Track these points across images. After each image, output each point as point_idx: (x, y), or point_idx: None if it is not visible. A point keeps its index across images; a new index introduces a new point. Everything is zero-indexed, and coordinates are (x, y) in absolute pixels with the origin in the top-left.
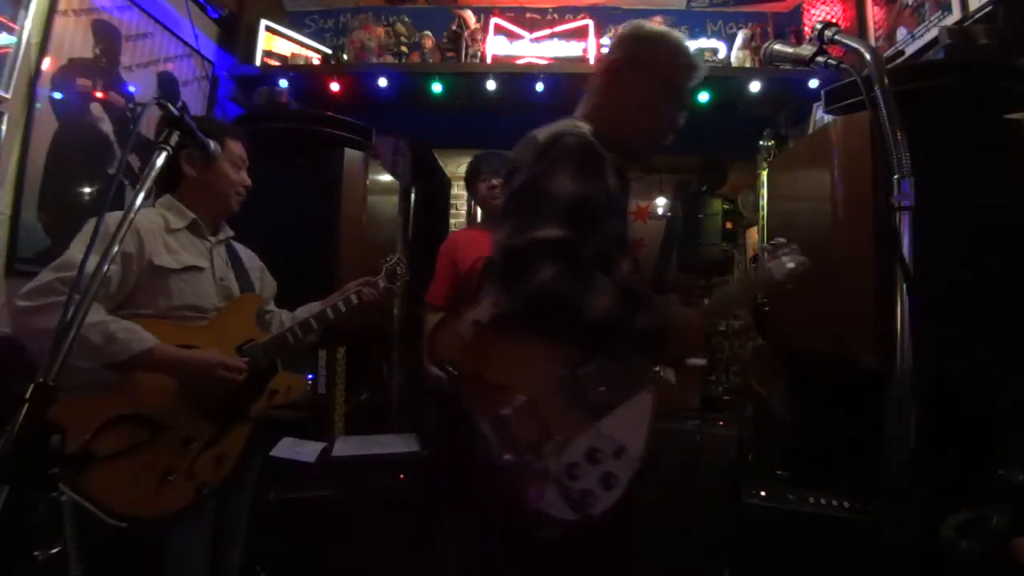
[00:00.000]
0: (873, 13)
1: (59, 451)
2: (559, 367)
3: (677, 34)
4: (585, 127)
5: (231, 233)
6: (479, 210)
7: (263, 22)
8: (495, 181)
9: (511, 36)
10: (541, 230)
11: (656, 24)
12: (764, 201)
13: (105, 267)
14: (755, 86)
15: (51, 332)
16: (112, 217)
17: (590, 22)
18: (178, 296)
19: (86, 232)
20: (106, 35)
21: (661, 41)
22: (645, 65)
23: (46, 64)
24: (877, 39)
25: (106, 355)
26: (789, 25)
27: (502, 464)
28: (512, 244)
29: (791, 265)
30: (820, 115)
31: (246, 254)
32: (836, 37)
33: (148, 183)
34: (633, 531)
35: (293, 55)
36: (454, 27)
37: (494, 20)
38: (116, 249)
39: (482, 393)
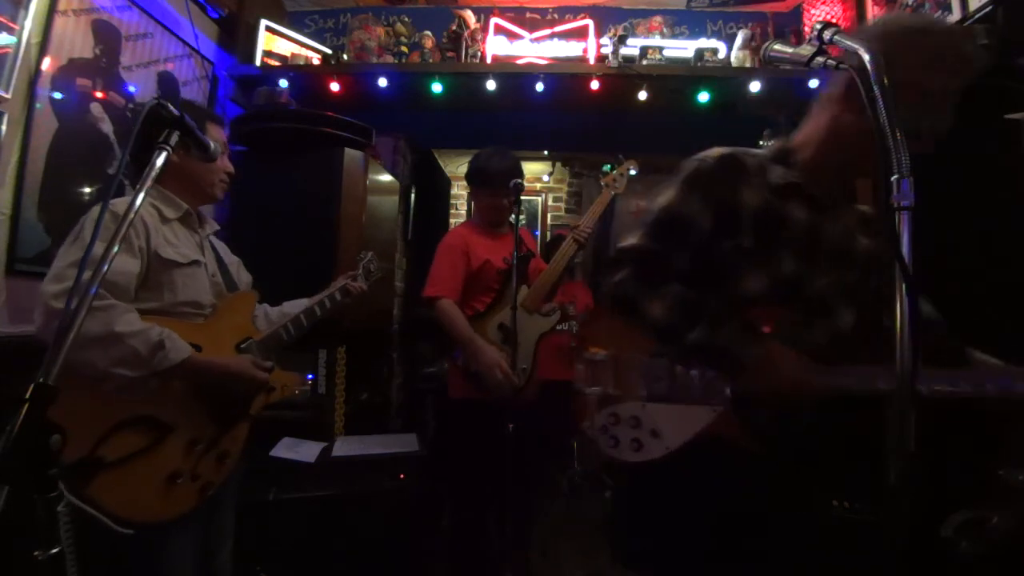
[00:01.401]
0: (873, 13)
1: (59, 452)
2: (640, 348)
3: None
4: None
5: (216, 227)
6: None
7: (263, 22)
8: (505, 202)
9: (511, 36)
10: (627, 240)
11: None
12: None
13: (105, 266)
14: (755, 86)
15: (94, 337)
16: (120, 204)
17: (590, 22)
18: (182, 291)
19: (94, 222)
20: (106, 35)
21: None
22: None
23: (46, 64)
24: None
25: (152, 365)
26: (789, 25)
27: (577, 388)
28: (611, 250)
29: None
30: None
31: (223, 248)
32: (836, 37)
33: (149, 182)
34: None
35: (293, 55)
36: (454, 27)
37: (494, 20)
38: (136, 243)
39: (585, 344)
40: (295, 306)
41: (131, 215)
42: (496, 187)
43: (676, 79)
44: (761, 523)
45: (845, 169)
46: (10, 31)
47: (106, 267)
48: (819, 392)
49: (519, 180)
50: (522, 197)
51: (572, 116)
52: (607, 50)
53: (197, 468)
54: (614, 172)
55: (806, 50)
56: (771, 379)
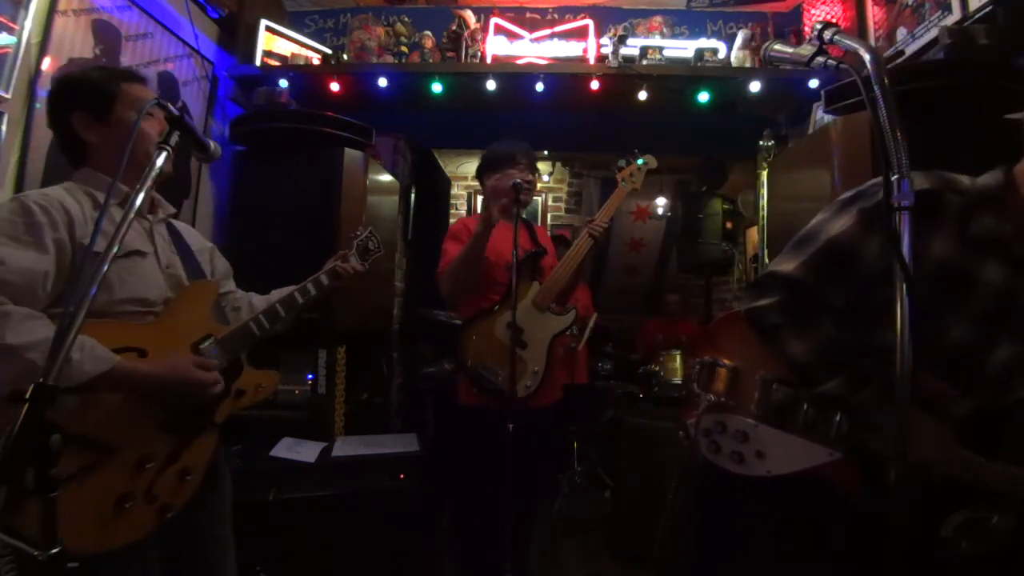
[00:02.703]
0: (873, 13)
1: (59, 452)
2: (769, 367)
3: None
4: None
5: (172, 210)
6: (479, 204)
7: (263, 22)
8: (530, 176)
9: (511, 36)
10: (782, 264)
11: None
12: (764, 201)
13: (105, 267)
14: (755, 86)
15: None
16: (34, 195)
17: (590, 22)
18: (120, 288)
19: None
20: (106, 35)
21: None
22: None
23: (46, 64)
24: (877, 39)
25: (57, 381)
26: (789, 25)
27: (689, 387)
28: (763, 271)
29: None
30: (820, 115)
31: (191, 234)
32: (836, 37)
33: (148, 183)
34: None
35: (293, 55)
36: (454, 27)
37: (494, 20)
38: (51, 235)
39: (707, 345)
40: (280, 294)
41: (131, 214)
42: (507, 163)
43: (676, 79)
44: None
45: None
46: (10, 31)
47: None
48: (961, 478)
49: (522, 179)
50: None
51: (572, 116)
52: (607, 50)
53: (153, 489)
54: (630, 167)
55: (806, 50)
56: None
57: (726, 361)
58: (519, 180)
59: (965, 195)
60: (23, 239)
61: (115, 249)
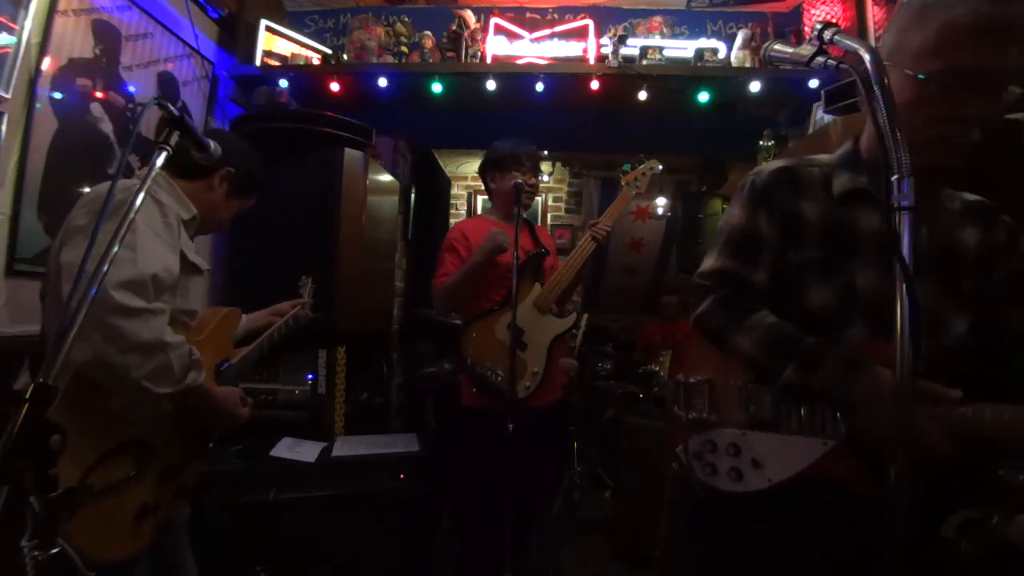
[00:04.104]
0: (873, 13)
1: (59, 452)
2: (738, 375)
3: None
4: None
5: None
6: (479, 203)
7: (263, 22)
8: (533, 180)
9: (511, 36)
10: (704, 266)
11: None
12: None
13: (105, 267)
14: (755, 86)
15: (143, 345)
16: (125, 185)
17: (590, 22)
18: (192, 299)
19: (142, 212)
20: (106, 35)
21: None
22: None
23: (46, 64)
24: (877, 39)
25: (181, 383)
26: (789, 25)
27: (668, 412)
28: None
29: None
30: (820, 115)
31: None
32: (836, 37)
33: (148, 183)
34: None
35: (293, 55)
36: (454, 27)
37: (494, 20)
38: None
39: (679, 362)
40: (248, 323)
41: (131, 215)
42: (512, 165)
43: (676, 79)
44: None
45: (928, 159)
46: (10, 31)
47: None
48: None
49: (524, 182)
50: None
51: (572, 116)
52: (607, 50)
53: (160, 501)
54: (635, 171)
55: (806, 50)
56: (885, 417)
57: (699, 377)
58: (520, 181)
59: (823, 166)
60: (164, 238)
61: (115, 249)
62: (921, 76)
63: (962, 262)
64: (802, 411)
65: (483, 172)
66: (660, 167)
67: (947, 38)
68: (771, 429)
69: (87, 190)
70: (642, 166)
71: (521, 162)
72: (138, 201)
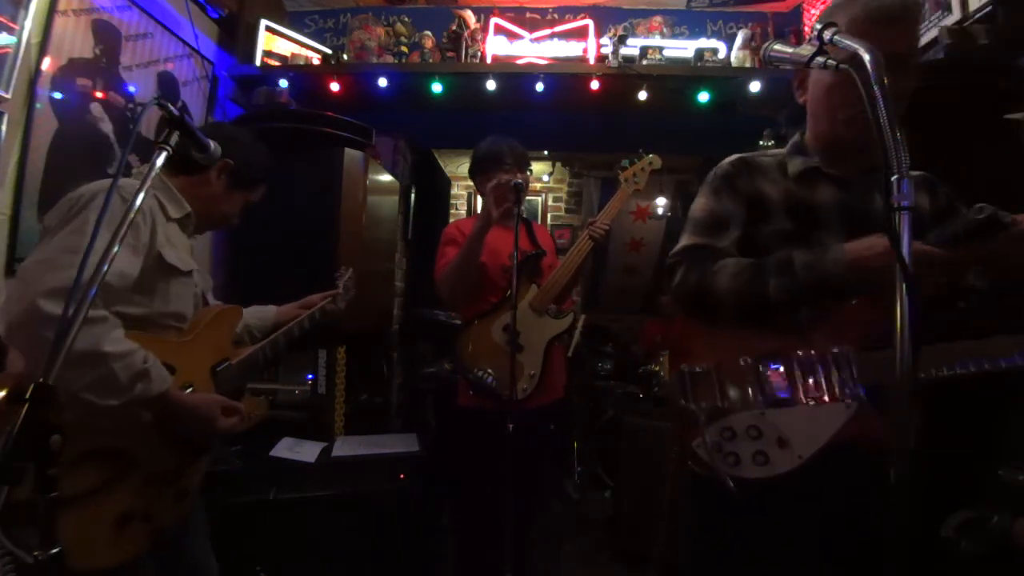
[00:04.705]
0: None
1: (59, 452)
2: (744, 351)
3: None
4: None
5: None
6: (479, 203)
7: (263, 22)
8: (520, 177)
9: (511, 36)
10: (676, 248)
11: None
12: None
13: (105, 266)
14: (755, 86)
15: (80, 355)
16: (128, 185)
17: (590, 22)
18: (173, 301)
19: (94, 211)
20: (106, 35)
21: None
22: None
23: (46, 64)
24: None
25: (127, 395)
26: (789, 25)
27: (678, 408)
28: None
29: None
30: None
31: None
32: (836, 37)
33: (148, 183)
34: (795, 517)
35: (293, 55)
36: (454, 27)
37: (494, 20)
38: (143, 238)
39: (680, 356)
40: (260, 314)
41: (131, 215)
42: (494, 165)
43: (676, 79)
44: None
45: (846, 142)
46: (10, 31)
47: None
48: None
49: (520, 181)
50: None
51: (572, 116)
52: (607, 50)
53: (151, 508)
54: (634, 167)
55: (806, 50)
56: (872, 253)
57: (704, 364)
58: (520, 181)
59: (775, 155)
60: (126, 239)
61: (115, 249)
62: (835, 64)
63: (919, 221)
64: (820, 374)
65: (471, 176)
66: (659, 163)
67: (851, 30)
68: (791, 403)
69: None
70: (640, 162)
71: (503, 160)
72: (138, 201)
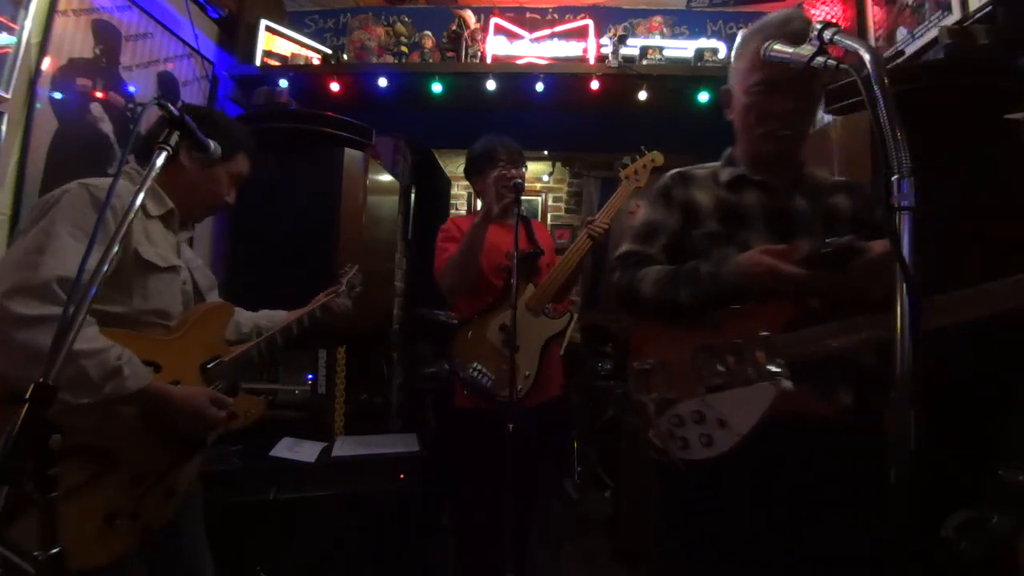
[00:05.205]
0: (873, 13)
1: (60, 452)
2: (687, 347)
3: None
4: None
5: (191, 233)
6: (478, 203)
7: (263, 22)
8: (514, 171)
9: (511, 36)
10: (617, 251)
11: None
12: None
13: (105, 267)
14: None
15: (43, 351)
16: (101, 186)
17: (590, 22)
18: (154, 298)
19: (68, 210)
20: (106, 35)
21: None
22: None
23: (46, 64)
24: (877, 39)
25: (101, 393)
26: None
27: (634, 400)
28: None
29: None
30: (820, 115)
31: (189, 252)
32: (836, 37)
33: (147, 183)
34: (743, 493)
35: (293, 55)
36: (454, 27)
37: (494, 20)
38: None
39: (634, 355)
40: (271, 318)
41: (131, 215)
42: (488, 164)
43: (676, 79)
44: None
45: (764, 154)
46: (10, 31)
47: (103, 268)
48: (801, 278)
49: (520, 181)
50: (522, 197)
51: (572, 116)
52: (607, 50)
53: (139, 507)
54: (635, 163)
55: (806, 50)
56: (756, 270)
57: (653, 360)
58: (520, 181)
59: (710, 168)
60: (89, 235)
61: (115, 250)
62: (835, 64)
63: (840, 220)
64: (751, 358)
65: (467, 176)
66: (661, 159)
67: (755, 60)
68: (728, 387)
69: None
70: (642, 159)
71: (498, 157)
72: (138, 201)
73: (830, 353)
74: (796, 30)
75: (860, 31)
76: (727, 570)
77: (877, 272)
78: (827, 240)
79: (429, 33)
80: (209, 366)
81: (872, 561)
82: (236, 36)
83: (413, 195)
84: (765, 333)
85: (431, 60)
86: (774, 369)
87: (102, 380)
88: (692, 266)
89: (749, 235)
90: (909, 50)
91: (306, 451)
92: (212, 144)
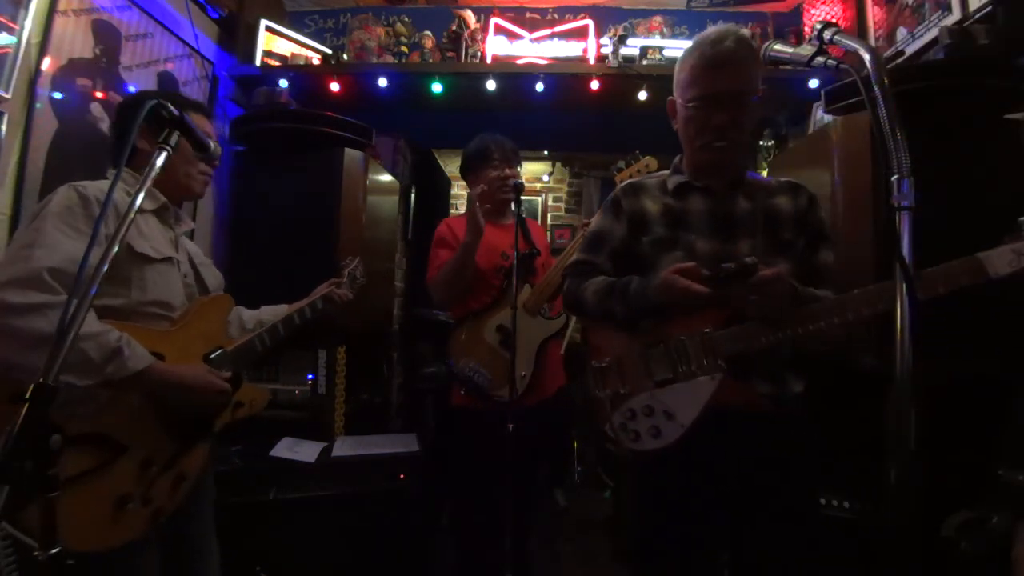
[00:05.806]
0: (873, 13)
1: (60, 452)
2: (637, 345)
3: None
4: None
5: (192, 226)
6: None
7: (263, 22)
8: (507, 171)
9: (511, 36)
10: (571, 261)
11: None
12: None
13: (104, 266)
14: None
15: (46, 338)
16: (91, 187)
17: (590, 22)
18: (152, 290)
19: (56, 208)
20: (106, 35)
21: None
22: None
23: (46, 64)
24: (877, 39)
25: (105, 373)
26: (789, 25)
27: (592, 396)
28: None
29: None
30: (820, 115)
31: (194, 249)
32: (836, 37)
33: (147, 183)
34: (693, 479)
35: (293, 55)
36: (454, 27)
37: (494, 20)
38: (104, 231)
39: (592, 355)
40: (274, 312)
41: (131, 214)
42: (483, 164)
43: None
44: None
45: (704, 163)
46: (10, 31)
47: (96, 260)
48: (703, 296)
49: (520, 180)
50: (522, 197)
51: (572, 116)
52: (607, 50)
53: (149, 492)
54: (630, 168)
55: (806, 50)
56: (670, 291)
57: (607, 358)
58: (520, 181)
59: (659, 177)
60: (82, 230)
61: (115, 249)
62: (835, 64)
63: (781, 221)
64: (692, 355)
65: (462, 176)
66: (655, 164)
67: (692, 75)
68: (673, 381)
69: None
70: (636, 164)
71: (491, 156)
72: (138, 202)
73: (760, 348)
74: (724, 50)
75: (860, 31)
76: (685, 544)
77: (762, 291)
78: (721, 264)
79: (429, 33)
80: (212, 356)
81: (808, 544)
82: (236, 36)
83: (413, 195)
84: (707, 330)
85: (431, 60)
86: (713, 363)
87: (103, 361)
88: (625, 282)
89: (694, 238)
90: (909, 50)
91: (306, 451)
92: (212, 144)
